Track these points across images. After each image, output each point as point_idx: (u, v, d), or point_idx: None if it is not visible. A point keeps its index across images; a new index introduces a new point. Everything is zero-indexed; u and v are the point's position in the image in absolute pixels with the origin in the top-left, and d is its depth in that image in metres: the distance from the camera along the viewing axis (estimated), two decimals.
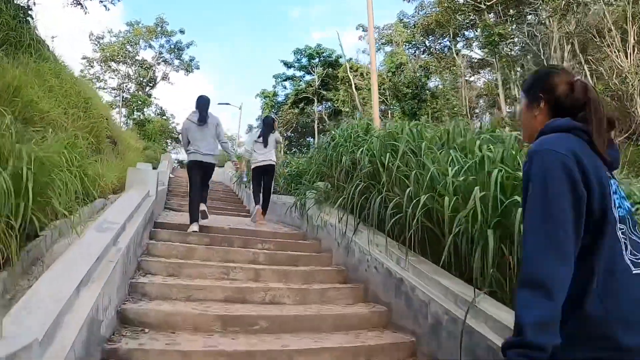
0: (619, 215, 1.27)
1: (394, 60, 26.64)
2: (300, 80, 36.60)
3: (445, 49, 29.88)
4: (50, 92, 6.97)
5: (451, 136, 4.44)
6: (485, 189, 3.19)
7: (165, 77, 40.63)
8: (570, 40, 21.62)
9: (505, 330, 2.52)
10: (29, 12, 9.02)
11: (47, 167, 3.60)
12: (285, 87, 38.54)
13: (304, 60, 35.31)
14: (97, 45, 38.62)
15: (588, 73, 21.89)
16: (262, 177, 7.73)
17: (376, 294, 4.20)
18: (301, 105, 36.09)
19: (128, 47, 38.79)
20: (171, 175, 14.77)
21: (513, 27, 23.47)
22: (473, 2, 24.13)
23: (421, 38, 29.81)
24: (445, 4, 25.06)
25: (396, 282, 3.81)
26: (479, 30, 24.71)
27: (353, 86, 27.70)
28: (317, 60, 34.65)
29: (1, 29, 7.37)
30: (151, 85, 39.97)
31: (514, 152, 3.55)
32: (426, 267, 3.62)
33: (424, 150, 4.22)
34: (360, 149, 4.79)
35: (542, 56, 19.96)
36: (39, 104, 5.74)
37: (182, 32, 39.66)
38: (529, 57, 23.22)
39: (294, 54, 35.43)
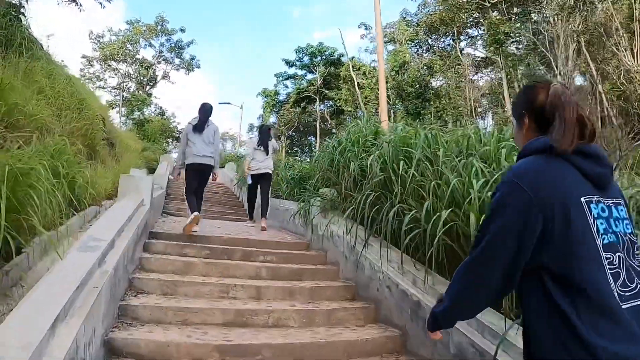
0: (603, 243, 1.17)
1: (397, 59, 26.24)
2: (302, 79, 36.24)
3: (448, 48, 29.52)
4: (40, 93, 6.62)
5: (471, 143, 4.07)
6: None
7: (165, 76, 40.32)
8: (577, 39, 21.22)
9: None
10: (21, 9, 8.69)
11: (24, 179, 3.24)
12: (286, 86, 38.23)
13: (306, 59, 34.96)
14: (97, 44, 38.34)
15: (595, 72, 21.53)
16: (259, 184, 7.97)
17: (389, 315, 3.84)
18: (303, 104, 35.75)
19: (128, 45, 38.48)
20: (170, 177, 14.44)
21: (517, 26, 23.07)
22: (477, 0, 23.74)
23: (424, 36, 29.43)
24: (450, 1, 24.65)
25: (412, 305, 3.46)
26: (483, 28, 24.31)
27: (356, 85, 27.31)
28: (319, 58, 34.30)
29: None
30: (151, 84, 39.63)
31: None
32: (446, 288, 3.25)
33: (442, 158, 3.85)
34: (371, 156, 4.41)
35: (548, 54, 19.49)
36: (25, 107, 5.39)
37: (182, 30, 39.36)
38: (533, 55, 22.82)
39: (296, 52, 35.11)
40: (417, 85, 24.21)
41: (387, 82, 26.90)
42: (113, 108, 36.63)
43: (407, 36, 30.01)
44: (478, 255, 1.27)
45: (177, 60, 40.18)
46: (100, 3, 11.03)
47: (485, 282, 1.26)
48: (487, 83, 30.22)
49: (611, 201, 1.26)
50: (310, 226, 5.89)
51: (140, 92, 37.50)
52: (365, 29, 34.25)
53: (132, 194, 5.00)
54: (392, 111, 26.59)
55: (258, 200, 8.59)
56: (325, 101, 35.78)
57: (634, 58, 20.41)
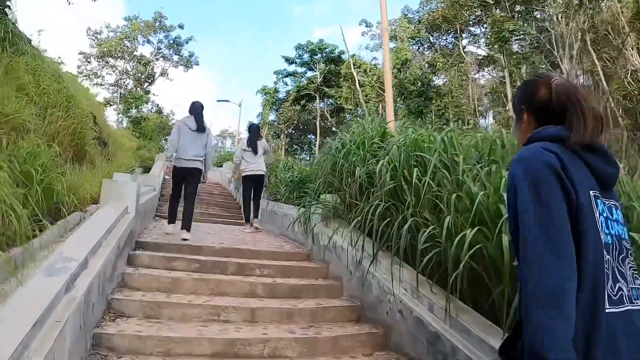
0: (604, 241, 1.15)
1: (399, 57, 25.74)
2: (302, 77, 35.74)
3: (450, 45, 29.04)
4: (21, 90, 6.17)
5: (494, 147, 3.61)
6: None
7: (164, 73, 39.84)
8: (583, 37, 20.75)
9: None
10: (7, 3, 8.22)
11: None
12: (286, 84, 37.72)
13: (306, 56, 34.47)
14: (94, 40, 37.85)
15: (601, 71, 21.07)
16: (252, 186, 7.74)
17: (400, 343, 3.38)
18: (303, 102, 35.26)
19: (126, 42, 37.97)
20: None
21: (520, 23, 22.59)
22: None
23: (426, 34, 28.93)
24: None
25: (429, 336, 3.00)
26: (487, 26, 23.83)
27: (357, 82, 26.82)
28: (319, 56, 33.81)
29: None
30: (149, 81, 39.14)
31: None
32: (470, 319, 2.80)
33: (462, 166, 3.39)
34: (380, 162, 3.94)
35: (555, 53, 19.02)
36: (0, 105, 4.94)
37: (181, 27, 38.84)
38: (537, 53, 22.35)
39: (296, 49, 34.60)
40: (419, 84, 23.71)
41: None
42: (110, 105, 36.20)
43: (408, 33, 29.51)
44: (544, 246, 1.07)
45: (175, 57, 39.76)
46: None
47: (566, 258, 1.07)
48: (488, 82, 29.77)
49: (612, 202, 1.23)
50: (311, 235, 5.44)
51: (138, 89, 37.00)
52: (366, 26, 33.80)
53: (115, 200, 4.54)
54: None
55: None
56: (325, 99, 35.30)
57: None
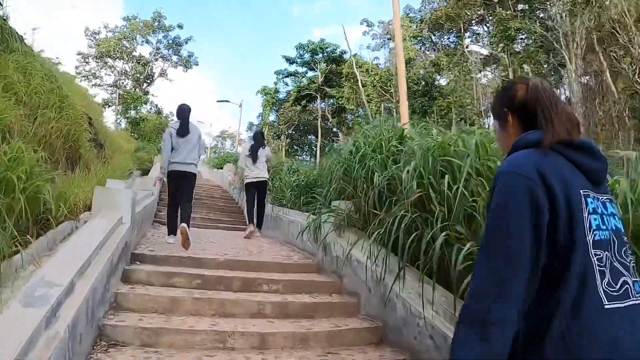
0: (594, 240, 1.13)
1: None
2: (303, 77, 35.31)
3: (452, 45, 28.66)
4: (10, 90, 5.76)
5: None
6: None
7: (163, 74, 39.43)
8: (590, 36, 20.35)
9: None
10: None
11: None
12: (286, 84, 37.30)
13: (307, 56, 34.01)
14: (92, 40, 37.43)
15: (608, 71, 20.68)
16: (255, 193, 7.65)
17: None
18: (303, 102, 34.84)
19: (125, 42, 37.55)
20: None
21: (526, 22, 22.22)
22: None
23: (428, 33, 28.54)
24: None
25: None
26: (491, 24, 23.47)
27: (359, 82, 26.41)
28: (320, 55, 33.37)
29: None
30: (148, 82, 38.74)
31: None
32: None
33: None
34: (406, 167, 3.52)
35: (563, 51, 18.62)
36: None
37: (180, 27, 38.43)
38: (542, 52, 21.94)
39: (297, 49, 34.14)
40: (423, 83, 23.28)
41: (391, 80, 26.11)
42: (109, 106, 35.77)
43: (410, 33, 29.09)
44: (498, 262, 1.09)
45: (174, 58, 39.36)
46: None
47: (516, 279, 1.08)
48: (490, 81, 29.35)
49: (605, 197, 1.23)
50: (322, 245, 5.02)
51: (137, 89, 36.57)
52: (368, 25, 33.35)
53: (108, 210, 4.12)
54: (395, 109, 25.73)
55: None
56: (326, 99, 34.89)
57: None
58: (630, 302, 1.13)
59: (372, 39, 33.51)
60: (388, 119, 5.66)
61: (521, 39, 22.80)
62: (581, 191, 1.16)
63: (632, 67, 19.97)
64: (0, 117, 4.82)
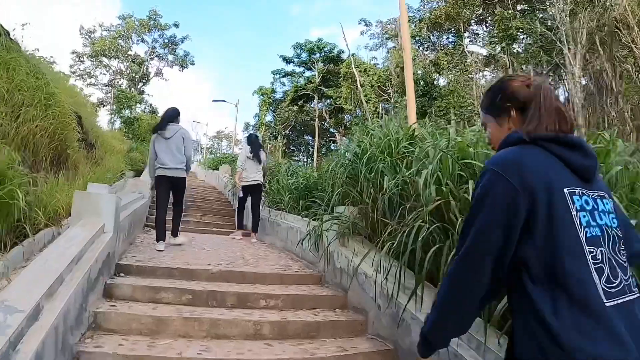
0: (586, 237, 1.13)
1: (402, 55, 24.91)
2: (300, 77, 34.93)
3: (450, 45, 28.33)
4: None
5: None
6: None
7: (158, 73, 39.00)
8: (592, 36, 20.05)
9: None
10: None
11: None
12: (283, 84, 36.93)
13: (304, 56, 33.66)
14: (87, 39, 36.94)
15: (610, 71, 20.39)
16: (249, 196, 7.70)
17: None
18: (300, 102, 34.45)
19: (120, 41, 37.07)
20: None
21: (528, 21, 21.90)
22: None
23: (427, 33, 28.19)
24: None
25: None
26: (492, 24, 23.15)
27: (358, 82, 26.04)
28: (317, 55, 33.04)
29: None
30: (144, 81, 38.27)
31: None
32: None
33: None
34: (424, 171, 3.11)
35: (566, 50, 18.31)
36: None
37: (176, 25, 38.00)
38: (543, 53, 21.62)
39: (294, 48, 33.78)
40: (422, 83, 22.93)
41: (390, 80, 25.76)
42: (104, 106, 35.22)
43: (409, 32, 28.73)
44: (467, 251, 1.20)
45: (170, 57, 38.96)
46: None
47: (476, 279, 1.19)
48: (488, 82, 29.04)
49: (596, 194, 1.23)
50: (325, 254, 4.63)
51: (132, 89, 36.06)
52: (366, 25, 33.03)
53: (88, 217, 3.70)
54: (394, 110, 25.38)
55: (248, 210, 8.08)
56: (324, 99, 34.52)
57: None
58: (628, 298, 1.13)
59: (370, 39, 33.21)
60: (392, 119, 5.24)
61: (522, 38, 22.46)
62: (566, 190, 1.16)
63: (634, 67, 19.69)
64: None
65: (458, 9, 24.67)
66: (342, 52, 31.99)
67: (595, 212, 1.18)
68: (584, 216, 1.15)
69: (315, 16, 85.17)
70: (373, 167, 4.02)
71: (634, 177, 2.83)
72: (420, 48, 30.08)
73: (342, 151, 5.18)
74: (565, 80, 21.84)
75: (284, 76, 36.31)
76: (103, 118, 32.42)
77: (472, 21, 27.33)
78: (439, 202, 2.92)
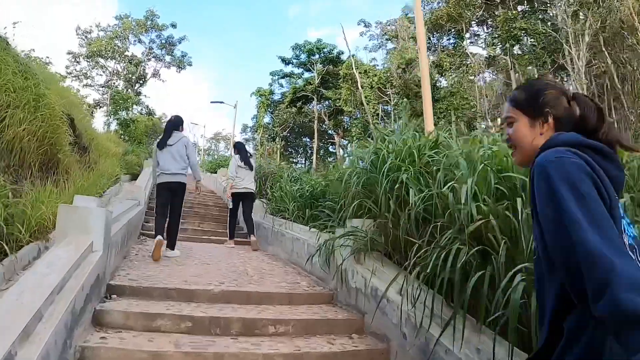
0: (628, 244, 1.09)
1: (403, 56, 24.57)
2: (299, 78, 34.55)
3: (450, 46, 28.03)
4: None
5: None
6: None
7: (155, 74, 38.52)
8: (597, 37, 19.74)
9: None
10: None
11: None
12: (282, 86, 36.54)
13: (303, 57, 33.30)
14: (84, 39, 36.46)
15: (614, 73, 20.08)
16: (241, 203, 7.65)
17: None
18: (299, 104, 34.05)
19: (117, 42, 36.59)
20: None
21: (532, 22, 21.61)
22: None
23: (427, 34, 27.87)
24: None
25: None
26: (495, 25, 22.82)
27: (359, 83, 25.64)
28: (317, 56, 32.68)
29: None
30: (141, 82, 37.79)
31: None
32: None
33: None
34: (463, 187, 2.70)
35: (572, 50, 17.97)
36: None
37: (173, 26, 37.59)
38: (546, 54, 21.31)
39: (293, 49, 33.42)
40: None
41: (391, 81, 25.37)
42: (100, 107, 34.71)
43: (409, 33, 28.40)
44: (589, 226, 1.01)
45: (167, 58, 38.51)
46: None
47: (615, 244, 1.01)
48: (489, 83, 28.74)
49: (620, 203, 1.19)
50: (338, 273, 4.22)
51: (129, 90, 35.57)
52: (365, 26, 32.70)
53: (75, 235, 3.28)
54: (395, 112, 25.00)
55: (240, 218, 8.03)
56: (323, 101, 34.14)
57: None
58: None
59: (369, 40, 32.86)
60: (407, 125, 4.81)
61: (525, 40, 22.15)
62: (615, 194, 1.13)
63: (637, 70, 19.38)
64: None
65: (460, 9, 24.35)
66: (342, 53, 31.67)
67: (623, 221, 1.15)
68: (625, 223, 1.14)
69: (315, 16, 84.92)
70: (394, 177, 3.60)
71: None
72: None
73: (354, 158, 4.76)
74: (568, 82, 21.54)
75: (282, 77, 35.95)
76: (99, 120, 31.97)
77: (473, 22, 27.06)
78: (480, 221, 2.52)
